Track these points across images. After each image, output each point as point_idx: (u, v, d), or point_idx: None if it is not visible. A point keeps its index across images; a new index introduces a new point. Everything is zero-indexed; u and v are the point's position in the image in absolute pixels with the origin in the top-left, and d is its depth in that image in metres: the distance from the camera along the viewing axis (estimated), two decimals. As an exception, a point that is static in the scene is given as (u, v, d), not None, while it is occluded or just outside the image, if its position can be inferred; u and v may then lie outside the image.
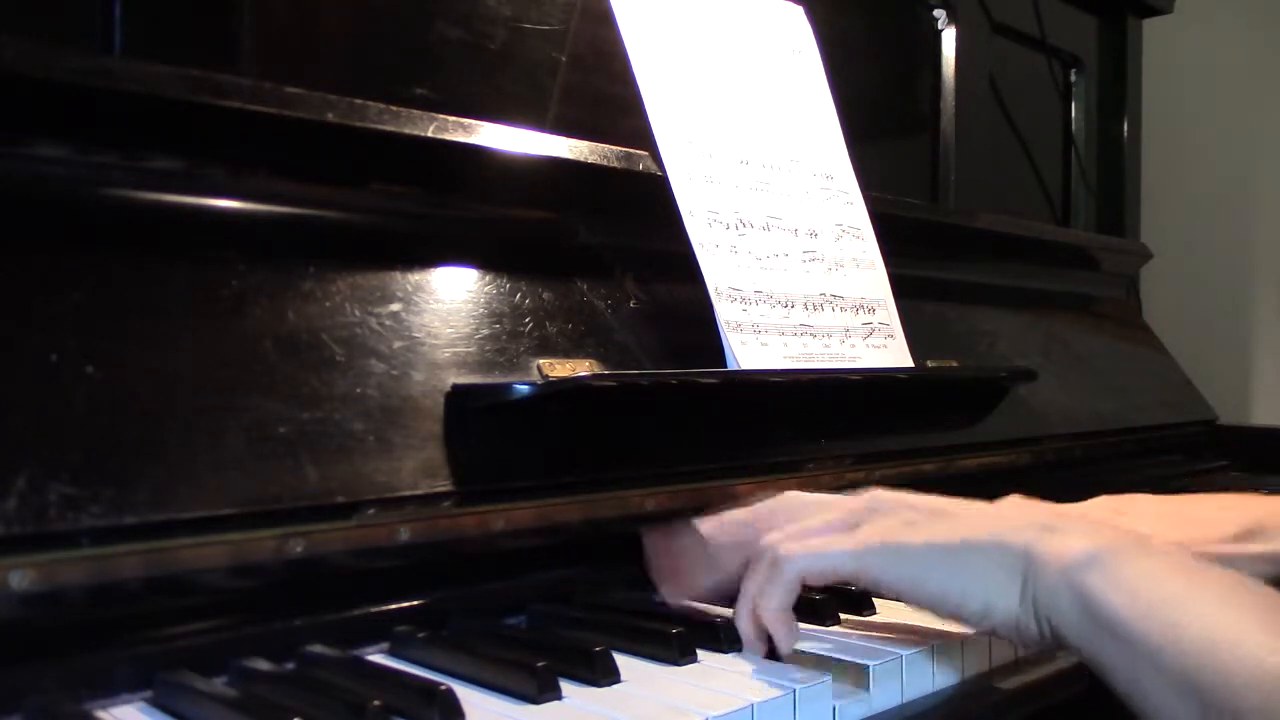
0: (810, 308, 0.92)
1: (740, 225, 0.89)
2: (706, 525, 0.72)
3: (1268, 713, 0.48)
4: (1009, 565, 0.58)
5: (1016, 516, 0.61)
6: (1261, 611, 0.52)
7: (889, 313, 0.99)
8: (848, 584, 0.66)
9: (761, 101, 0.97)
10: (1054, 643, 0.58)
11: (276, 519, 0.59)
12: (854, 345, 0.94)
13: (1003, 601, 0.58)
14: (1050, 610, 0.56)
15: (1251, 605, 0.53)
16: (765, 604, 0.63)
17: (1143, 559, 0.56)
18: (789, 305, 0.90)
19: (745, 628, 0.64)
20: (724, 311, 0.84)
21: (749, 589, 0.65)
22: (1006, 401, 1.12)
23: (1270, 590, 0.55)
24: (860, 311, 0.96)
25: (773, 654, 0.64)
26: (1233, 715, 0.49)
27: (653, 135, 0.87)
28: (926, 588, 0.60)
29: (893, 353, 0.97)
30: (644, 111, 0.87)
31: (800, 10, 1.05)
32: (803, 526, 0.66)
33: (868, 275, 0.99)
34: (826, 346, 0.91)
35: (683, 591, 0.73)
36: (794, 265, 0.92)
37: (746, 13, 1.00)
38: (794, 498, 0.71)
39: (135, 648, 0.56)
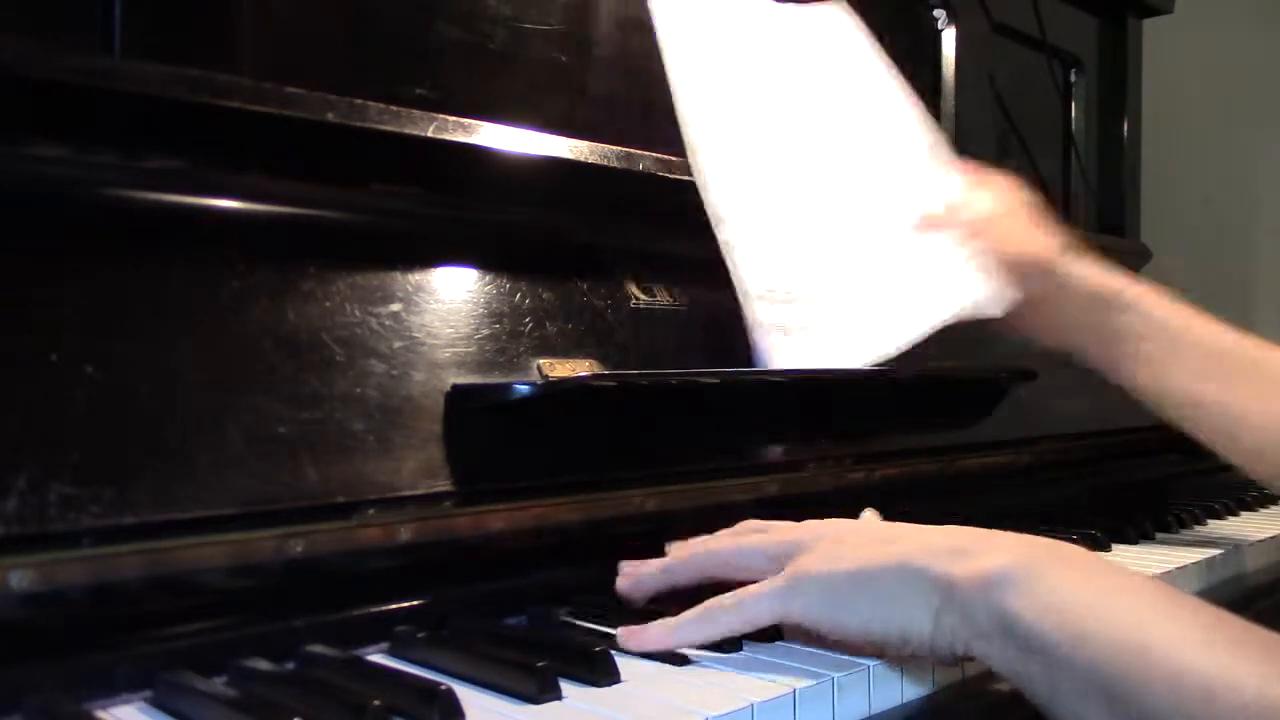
0: (822, 306, 0.91)
1: (762, 223, 0.89)
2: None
3: (1180, 716, 0.49)
4: (921, 590, 0.57)
5: (937, 542, 0.60)
6: (1172, 613, 0.53)
7: (890, 312, 0.99)
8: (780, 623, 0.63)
9: (787, 98, 0.97)
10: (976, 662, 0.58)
11: (276, 519, 0.59)
12: (854, 345, 0.94)
13: (916, 627, 0.57)
14: (970, 633, 0.56)
15: (1164, 608, 0.53)
16: (681, 634, 0.62)
17: (1057, 570, 0.55)
18: (807, 303, 0.90)
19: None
20: (754, 310, 0.84)
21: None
22: (1006, 401, 1.12)
23: (1189, 597, 0.55)
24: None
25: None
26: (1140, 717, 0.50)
27: (678, 132, 0.86)
28: (845, 621, 0.59)
29: (893, 353, 0.97)
30: (672, 108, 0.86)
31: (839, 7, 1.04)
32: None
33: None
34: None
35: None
36: (814, 264, 0.92)
37: (780, 9, 0.99)
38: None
39: (135, 648, 0.56)
